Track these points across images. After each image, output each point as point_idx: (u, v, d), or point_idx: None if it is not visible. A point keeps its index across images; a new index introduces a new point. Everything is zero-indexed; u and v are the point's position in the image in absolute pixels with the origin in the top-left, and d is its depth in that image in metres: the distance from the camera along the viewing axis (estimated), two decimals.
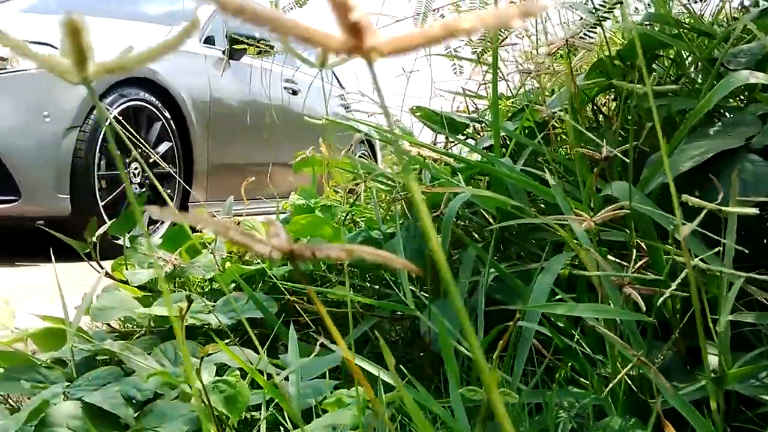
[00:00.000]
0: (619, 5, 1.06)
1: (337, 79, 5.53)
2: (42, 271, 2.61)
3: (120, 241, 1.19)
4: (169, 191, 3.35)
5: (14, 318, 0.93)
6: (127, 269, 1.07)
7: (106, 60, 0.34)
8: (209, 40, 3.87)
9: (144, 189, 3.21)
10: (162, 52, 0.36)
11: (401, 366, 0.78)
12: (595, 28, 1.05)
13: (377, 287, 0.86)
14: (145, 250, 1.05)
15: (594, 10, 1.04)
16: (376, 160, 6.02)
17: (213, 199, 3.74)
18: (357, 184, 1.49)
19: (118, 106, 3.02)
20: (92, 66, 0.33)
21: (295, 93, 4.65)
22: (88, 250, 1.03)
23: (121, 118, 3.03)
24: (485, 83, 1.23)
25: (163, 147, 3.30)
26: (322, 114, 4.95)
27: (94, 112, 2.90)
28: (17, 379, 0.74)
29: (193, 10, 4.04)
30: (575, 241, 0.71)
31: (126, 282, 1.11)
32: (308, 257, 0.29)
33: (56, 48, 2.53)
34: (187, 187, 3.49)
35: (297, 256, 0.29)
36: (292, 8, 1.61)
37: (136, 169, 3.17)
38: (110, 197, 2.99)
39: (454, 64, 1.42)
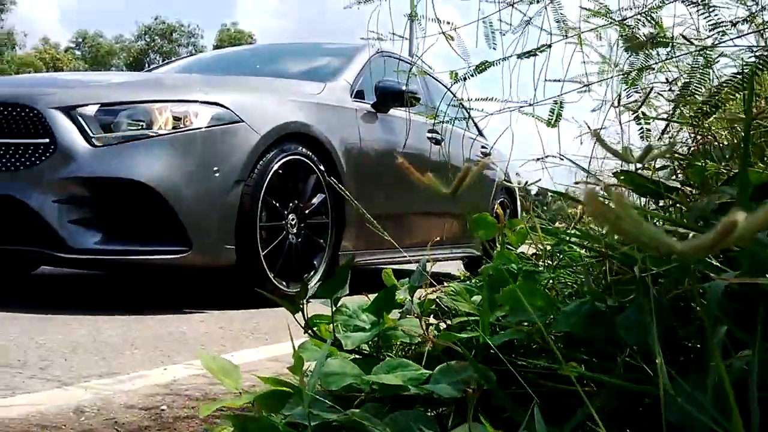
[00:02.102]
0: None
1: (477, 128, 5.54)
2: (210, 318, 2.74)
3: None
4: (322, 241, 3.44)
5: (241, 379, 0.96)
6: (333, 330, 1.08)
7: None
8: (359, 95, 3.99)
9: (300, 239, 3.31)
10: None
11: None
12: None
13: (602, 362, 0.82)
14: (349, 312, 1.06)
15: None
16: (515, 209, 5.95)
17: (361, 249, 3.81)
18: (531, 245, 1.45)
19: (279, 160, 3.16)
20: None
21: (438, 143, 4.69)
22: (297, 312, 1.05)
23: (281, 171, 3.16)
24: (696, 144, 1.17)
25: (317, 199, 3.41)
26: (462, 161, 4.98)
27: (258, 166, 3.05)
28: None
29: (338, 63, 4.20)
30: None
31: (319, 338, 1.14)
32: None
33: (225, 107, 2.69)
34: (338, 237, 3.57)
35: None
36: (471, 76, 1.62)
37: (293, 220, 3.28)
38: (269, 247, 3.11)
39: (642, 127, 1.37)
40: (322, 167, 3.43)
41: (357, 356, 1.04)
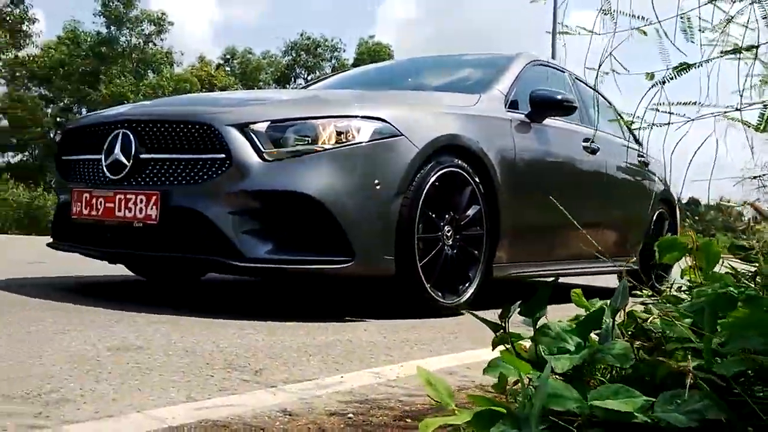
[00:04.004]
0: None
1: (634, 137, 5.34)
2: (372, 327, 2.81)
3: None
4: (476, 252, 3.44)
5: (453, 395, 0.98)
6: (536, 350, 1.08)
7: None
8: (513, 105, 3.96)
9: (455, 250, 3.33)
10: None
11: None
12: None
13: None
14: (553, 334, 1.05)
15: None
16: (675, 221, 5.65)
17: (514, 261, 3.77)
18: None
19: (436, 172, 3.19)
20: None
21: (593, 152, 4.56)
22: (500, 329, 1.06)
23: (438, 184, 3.20)
24: None
25: (472, 210, 3.41)
26: (618, 171, 4.81)
27: (416, 178, 3.10)
28: None
29: (491, 74, 4.19)
30: None
31: (522, 358, 1.13)
32: None
33: (386, 122, 2.76)
34: (490, 248, 3.55)
35: None
36: (670, 79, 1.55)
37: (449, 231, 3.31)
38: (426, 258, 3.15)
39: None
40: (477, 179, 3.43)
41: (558, 377, 1.02)
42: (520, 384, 1.08)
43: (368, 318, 3.05)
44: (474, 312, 1.15)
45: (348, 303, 3.80)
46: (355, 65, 32.65)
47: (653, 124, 1.65)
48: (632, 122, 1.74)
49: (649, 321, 1.07)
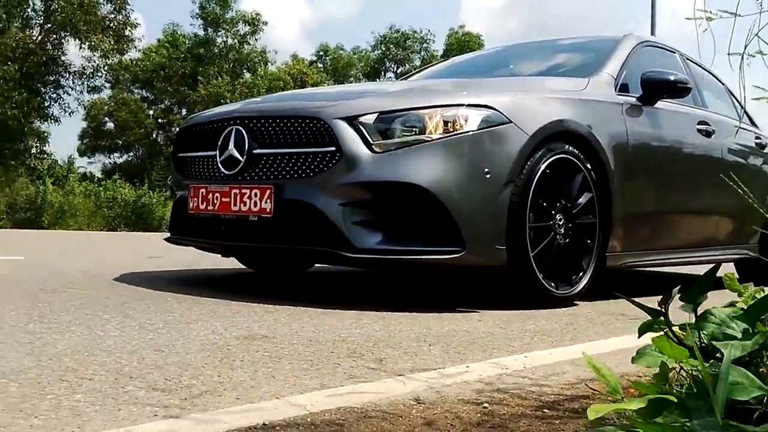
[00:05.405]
0: None
1: (749, 118, 5.06)
2: (487, 317, 2.78)
3: None
4: (589, 241, 3.35)
5: (620, 383, 0.95)
6: (699, 337, 1.03)
7: None
8: (623, 88, 3.82)
9: (567, 239, 3.25)
10: None
11: None
12: None
13: None
14: (717, 320, 1.00)
15: None
16: None
17: (628, 249, 3.64)
18: None
19: (546, 159, 3.12)
20: None
21: (708, 135, 4.35)
22: (660, 316, 1.02)
23: (548, 171, 3.12)
24: None
25: (584, 198, 3.32)
26: (734, 154, 4.56)
27: (526, 166, 3.04)
28: None
29: (599, 57, 4.05)
30: None
31: (683, 345, 1.08)
32: None
33: (494, 109, 2.71)
34: (603, 237, 3.44)
35: None
36: None
37: (560, 220, 3.23)
38: (538, 248, 3.08)
39: None
40: (588, 165, 3.33)
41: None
42: (678, 372, 1.03)
43: (479, 308, 3.02)
44: (630, 297, 1.10)
45: (453, 293, 3.78)
46: (444, 56, 32.46)
47: None
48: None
49: None
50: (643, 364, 1.18)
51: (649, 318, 1.15)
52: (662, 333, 1.11)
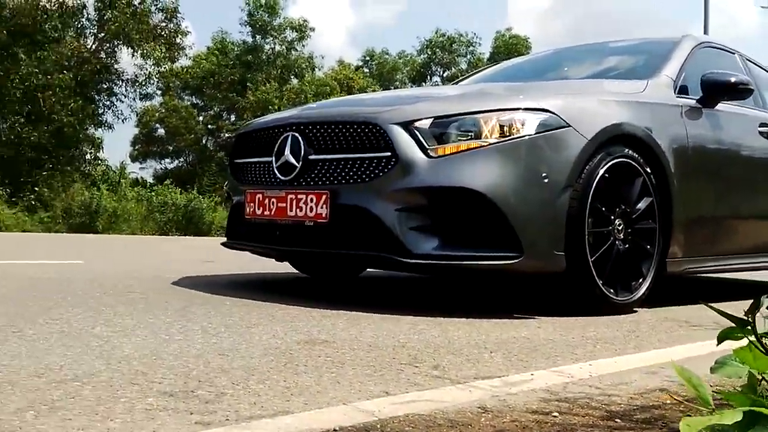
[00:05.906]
0: None
1: None
2: (546, 324, 2.74)
3: None
4: (649, 247, 3.27)
5: (710, 394, 0.92)
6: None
7: None
8: (682, 90, 3.73)
9: (627, 245, 3.18)
10: None
11: None
12: None
13: None
14: None
15: None
16: None
17: (689, 255, 3.55)
18: None
19: (606, 164, 3.07)
20: None
21: None
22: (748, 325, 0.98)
23: (607, 176, 3.07)
24: None
25: (644, 203, 3.25)
26: None
27: (585, 170, 2.99)
28: None
29: (657, 59, 3.97)
30: None
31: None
32: None
33: (552, 113, 2.67)
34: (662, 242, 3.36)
35: None
36: None
37: (620, 225, 3.17)
38: (597, 254, 3.03)
39: None
40: (648, 169, 3.26)
41: None
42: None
43: (536, 315, 2.98)
44: (711, 305, 1.07)
45: (507, 299, 3.74)
46: (491, 59, 32.24)
47: None
48: None
49: None
50: (723, 374, 1.15)
51: (731, 325, 1.11)
52: (746, 343, 1.08)
